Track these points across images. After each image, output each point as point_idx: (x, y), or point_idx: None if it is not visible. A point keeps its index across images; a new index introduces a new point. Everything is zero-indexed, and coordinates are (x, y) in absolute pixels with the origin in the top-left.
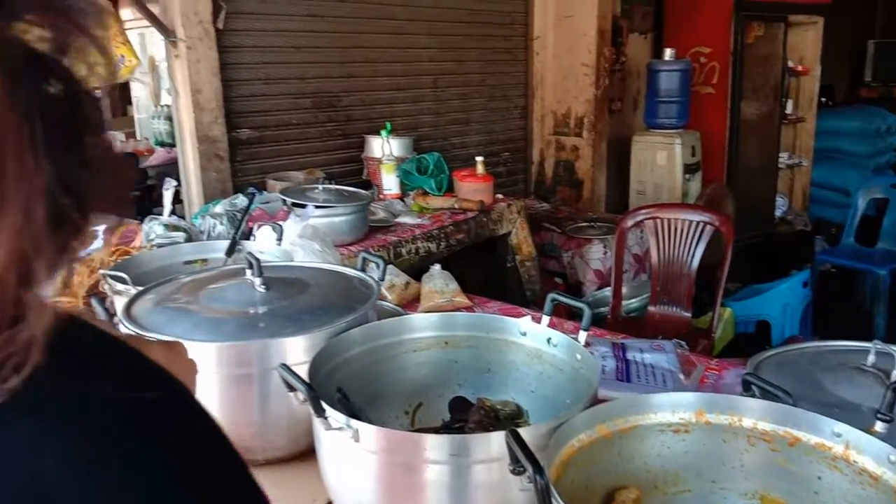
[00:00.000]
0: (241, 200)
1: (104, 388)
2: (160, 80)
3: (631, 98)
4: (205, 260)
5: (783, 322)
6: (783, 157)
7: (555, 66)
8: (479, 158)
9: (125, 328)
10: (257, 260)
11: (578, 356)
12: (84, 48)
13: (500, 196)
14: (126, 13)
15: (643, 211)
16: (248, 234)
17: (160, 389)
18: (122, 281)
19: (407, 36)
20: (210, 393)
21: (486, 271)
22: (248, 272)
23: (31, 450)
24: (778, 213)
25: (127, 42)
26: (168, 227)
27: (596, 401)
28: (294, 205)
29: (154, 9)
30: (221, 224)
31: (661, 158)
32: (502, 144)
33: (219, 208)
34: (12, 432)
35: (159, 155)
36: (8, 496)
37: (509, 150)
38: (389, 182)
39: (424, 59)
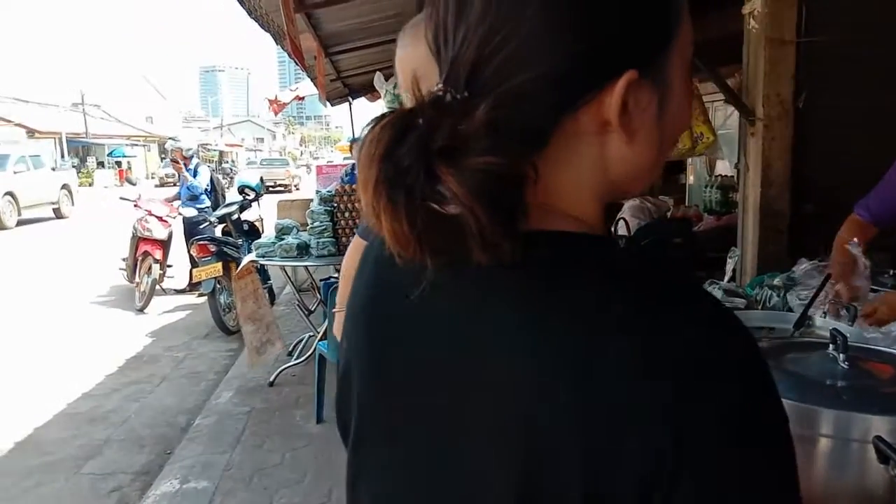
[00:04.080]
0: (799, 275)
1: None
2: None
3: None
4: (771, 328)
5: None
6: None
7: None
8: None
9: None
10: (844, 337)
11: None
12: None
13: None
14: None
15: None
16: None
17: None
18: None
19: None
20: None
21: None
22: (831, 347)
23: None
24: None
25: (707, 121)
26: (727, 292)
27: None
28: None
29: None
30: (778, 296)
31: None
32: None
33: (777, 280)
34: None
35: (708, 222)
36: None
37: None
38: None
39: None
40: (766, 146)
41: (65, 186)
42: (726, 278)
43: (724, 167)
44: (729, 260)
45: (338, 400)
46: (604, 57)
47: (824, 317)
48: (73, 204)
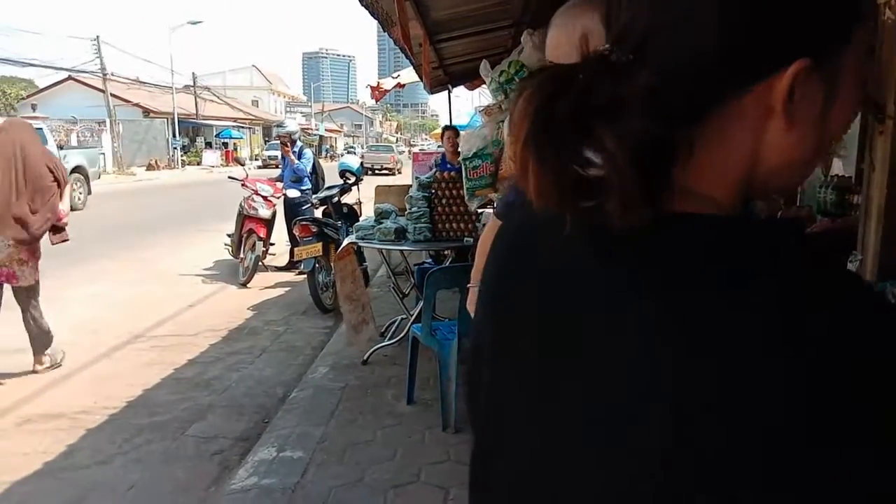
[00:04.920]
0: None
1: None
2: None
3: None
4: None
5: None
6: None
7: None
8: None
9: None
10: None
11: None
12: None
13: None
14: None
15: None
16: None
17: None
18: None
19: None
20: None
21: None
22: None
23: None
24: None
25: None
26: None
27: None
28: None
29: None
30: None
31: None
32: None
33: None
34: None
35: (821, 224)
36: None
37: None
38: None
39: None
40: None
41: (77, 170)
42: None
43: (839, 166)
44: (850, 264)
45: (470, 369)
46: (781, 42)
47: None
48: (89, 192)
